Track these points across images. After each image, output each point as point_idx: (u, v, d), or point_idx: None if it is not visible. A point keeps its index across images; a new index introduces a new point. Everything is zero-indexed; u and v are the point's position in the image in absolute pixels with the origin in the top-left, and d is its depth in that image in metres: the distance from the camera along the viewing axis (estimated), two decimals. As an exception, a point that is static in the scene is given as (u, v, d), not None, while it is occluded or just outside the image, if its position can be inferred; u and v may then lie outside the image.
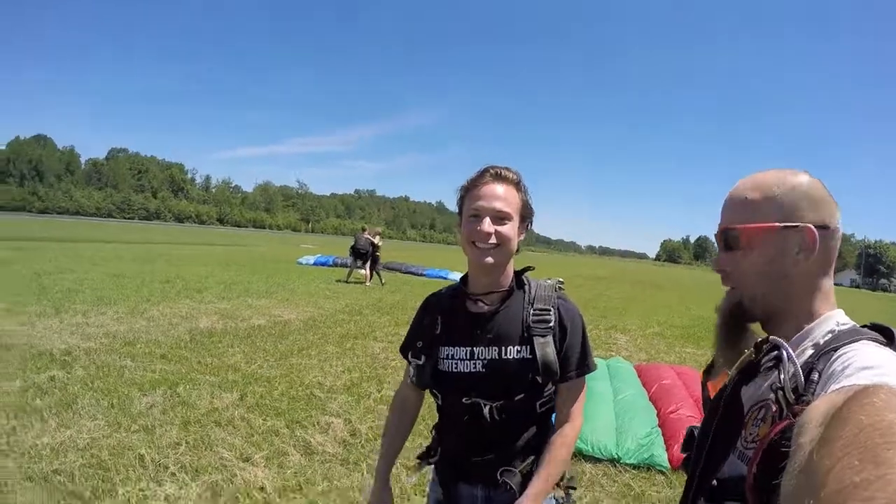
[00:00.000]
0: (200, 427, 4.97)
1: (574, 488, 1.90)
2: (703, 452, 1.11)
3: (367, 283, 18.57)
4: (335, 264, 25.51)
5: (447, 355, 1.82)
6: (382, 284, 18.95)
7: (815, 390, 0.89)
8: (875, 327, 1.01)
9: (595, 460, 4.90)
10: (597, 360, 7.61)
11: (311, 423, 5.34)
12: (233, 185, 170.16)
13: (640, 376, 7.15)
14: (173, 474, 4.09)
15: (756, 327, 1.22)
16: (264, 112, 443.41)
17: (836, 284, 1.16)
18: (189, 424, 5.00)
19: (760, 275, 1.13)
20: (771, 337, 1.03)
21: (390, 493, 1.98)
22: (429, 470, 2.00)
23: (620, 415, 5.51)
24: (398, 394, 2.08)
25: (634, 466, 4.89)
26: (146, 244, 33.64)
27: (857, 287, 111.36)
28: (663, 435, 5.26)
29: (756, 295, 1.15)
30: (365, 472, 4.42)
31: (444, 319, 1.87)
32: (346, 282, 18.78)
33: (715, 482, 1.07)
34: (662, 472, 4.82)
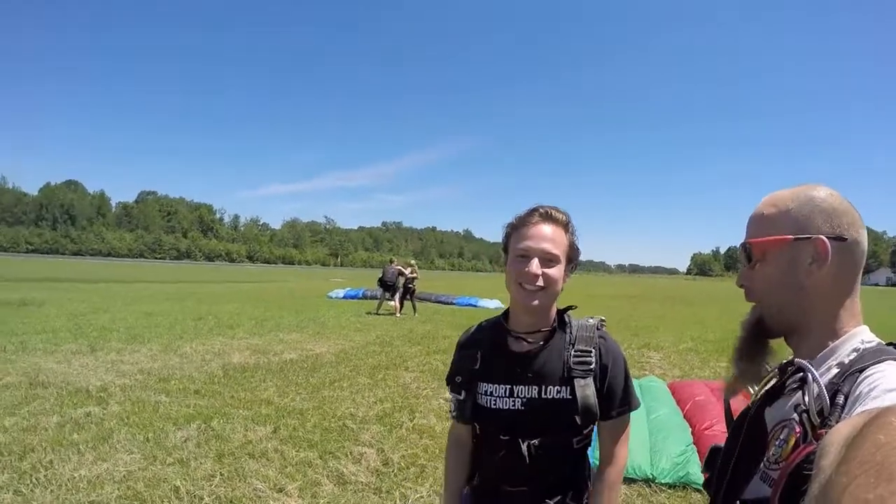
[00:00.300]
0: (234, 459, 5.01)
1: None
2: (726, 473, 1.12)
3: (398, 315, 18.64)
4: (365, 297, 25.57)
5: (486, 391, 1.79)
6: (415, 315, 19.07)
7: (839, 413, 0.89)
8: None
9: (630, 481, 4.84)
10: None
11: (343, 453, 5.35)
12: (261, 222, 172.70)
13: (673, 394, 7.04)
14: (208, 506, 4.12)
15: (781, 347, 1.23)
16: (289, 150, 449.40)
17: (871, 284, 1.14)
18: (223, 457, 5.05)
19: (775, 286, 1.14)
20: (796, 360, 1.04)
21: None
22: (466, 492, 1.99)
23: (654, 434, 5.44)
24: (452, 430, 2.03)
25: (670, 486, 4.84)
26: (177, 283, 34.15)
27: (894, 285, 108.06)
28: (699, 452, 5.19)
29: (773, 308, 1.16)
30: (398, 502, 4.42)
31: (484, 355, 1.83)
32: (377, 313, 18.84)
33: (738, 503, 1.08)
34: (699, 490, 4.74)
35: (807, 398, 0.95)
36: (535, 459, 1.72)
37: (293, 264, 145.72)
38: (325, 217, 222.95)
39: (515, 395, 1.75)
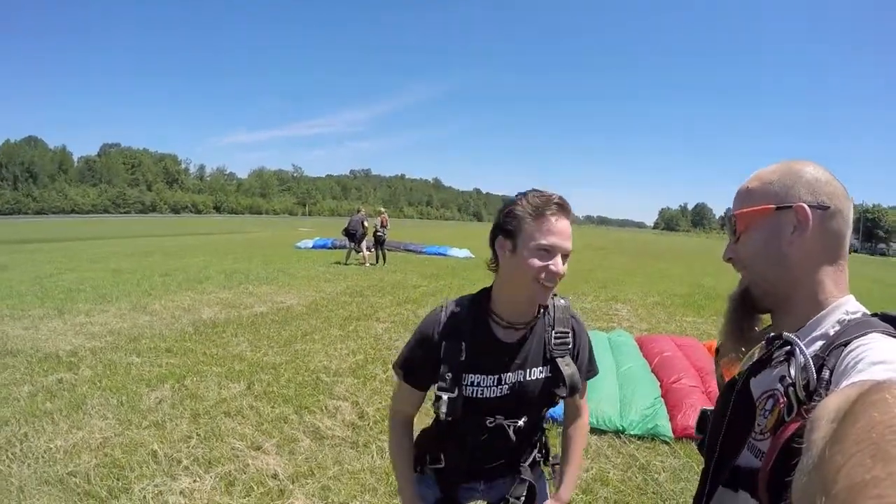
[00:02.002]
0: (210, 419, 5.02)
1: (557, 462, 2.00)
2: (716, 443, 1.12)
3: (366, 265, 18.57)
4: (334, 246, 25.35)
5: (472, 382, 1.74)
6: (384, 264, 19.02)
7: (825, 388, 0.89)
8: (886, 318, 0.99)
9: (600, 432, 4.98)
10: (599, 333, 7.63)
11: (318, 407, 5.41)
12: (227, 172, 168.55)
13: (641, 348, 7.27)
14: (187, 468, 4.13)
15: (767, 321, 1.25)
16: (255, 97, 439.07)
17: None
18: (199, 417, 5.05)
19: (758, 256, 1.15)
20: (784, 333, 1.03)
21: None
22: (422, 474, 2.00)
23: (624, 387, 5.61)
24: (399, 414, 1.96)
25: (639, 437, 4.99)
26: (144, 237, 33.48)
27: (856, 251, 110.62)
28: (666, 405, 5.38)
29: (758, 277, 1.17)
30: (375, 455, 4.49)
31: (468, 345, 1.74)
32: (346, 264, 18.75)
33: (733, 468, 1.10)
34: (666, 443, 4.93)
35: (793, 371, 0.95)
36: (518, 439, 1.80)
37: (260, 214, 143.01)
38: (293, 165, 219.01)
39: (503, 382, 1.75)
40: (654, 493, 4.17)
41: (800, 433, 0.81)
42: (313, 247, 26.57)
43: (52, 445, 4.41)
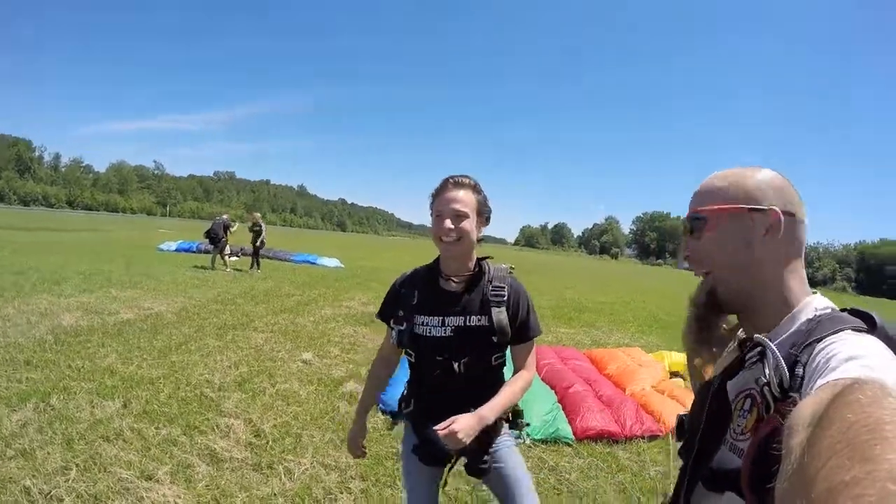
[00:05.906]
0: (87, 444, 4.47)
1: (521, 417, 2.48)
2: (695, 440, 1.16)
3: (227, 270, 18.47)
4: (199, 250, 24.59)
5: (422, 322, 2.25)
6: (257, 271, 18.71)
7: (800, 385, 0.91)
8: (855, 312, 1.02)
9: (504, 440, 4.98)
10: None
11: (209, 426, 5.04)
12: (84, 164, 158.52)
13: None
14: (69, 507, 3.62)
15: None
16: (120, 85, 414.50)
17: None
18: (73, 442, 4.48)
19: (728, 255, 1.17)
20: (755, 336, 1.07)
21: (366, 430, 2.53)
22: (404, 424, 2.48)
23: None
24: (381, 351, 2.52)
25: (543, 441, 5.25)
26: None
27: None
28: (564, 410, 5.75)
29: (726, 276, 1.19)
30: (283, 476, 4.24)
31: (420, 293, 2.28)
32: (212, 269, 18.40)
33: (712, 470, 1.12)
34: (569, 444, 5.24)
35: (766, 371, 0.98)
36: (463, 376, 2.21)
37: (117, 212, 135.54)
38: (155, 162, 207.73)
39: (447, 324, 2.23)
40: (569, 492, 4.39)
41: (778, 436, 0.82)
42: (177, 250, 25.79)
43: None
